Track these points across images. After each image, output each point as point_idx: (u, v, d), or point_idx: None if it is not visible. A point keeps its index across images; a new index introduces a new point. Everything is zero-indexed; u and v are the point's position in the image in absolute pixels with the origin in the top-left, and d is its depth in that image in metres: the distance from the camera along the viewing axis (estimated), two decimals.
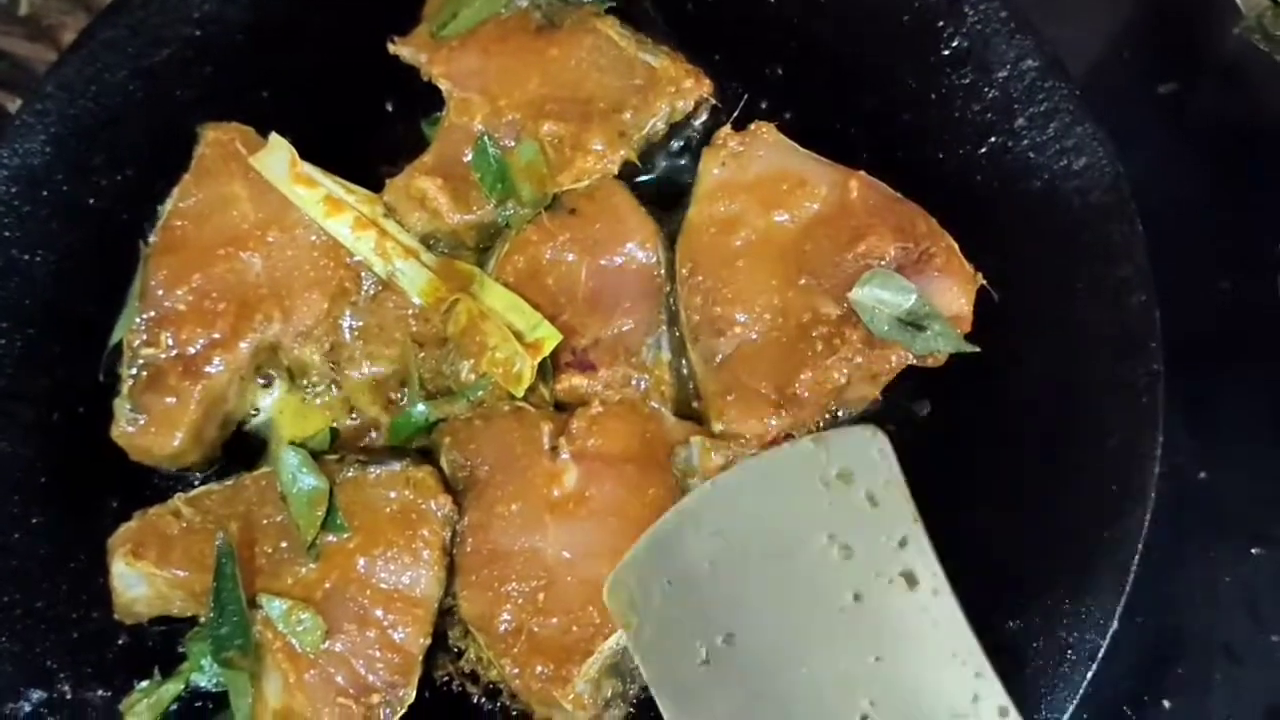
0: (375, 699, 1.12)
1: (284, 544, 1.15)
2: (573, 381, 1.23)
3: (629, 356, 1.23)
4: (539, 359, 1.20)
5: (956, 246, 1.22)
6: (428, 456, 1.25)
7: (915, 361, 1.20)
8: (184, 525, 1.18)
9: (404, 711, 1.14)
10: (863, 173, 1.25)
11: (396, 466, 1.18)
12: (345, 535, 1.15)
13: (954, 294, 1.20)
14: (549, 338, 1.20)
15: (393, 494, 1.17)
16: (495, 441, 1.21)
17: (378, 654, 1.13)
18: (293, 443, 1.20)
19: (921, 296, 1.18)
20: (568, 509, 1.17)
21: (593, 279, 1.26)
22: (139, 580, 1.18)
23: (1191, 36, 1.63)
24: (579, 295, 1.25)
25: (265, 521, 1.17)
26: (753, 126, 1.28)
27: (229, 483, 1.21)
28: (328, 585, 1.13)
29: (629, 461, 1.18)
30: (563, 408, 1.25)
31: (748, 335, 1.22)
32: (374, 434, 1.30)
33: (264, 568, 1.15)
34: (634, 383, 1.23)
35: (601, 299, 1.25)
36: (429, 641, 1.15)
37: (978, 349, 1.19)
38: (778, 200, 1.25)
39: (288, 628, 1.11)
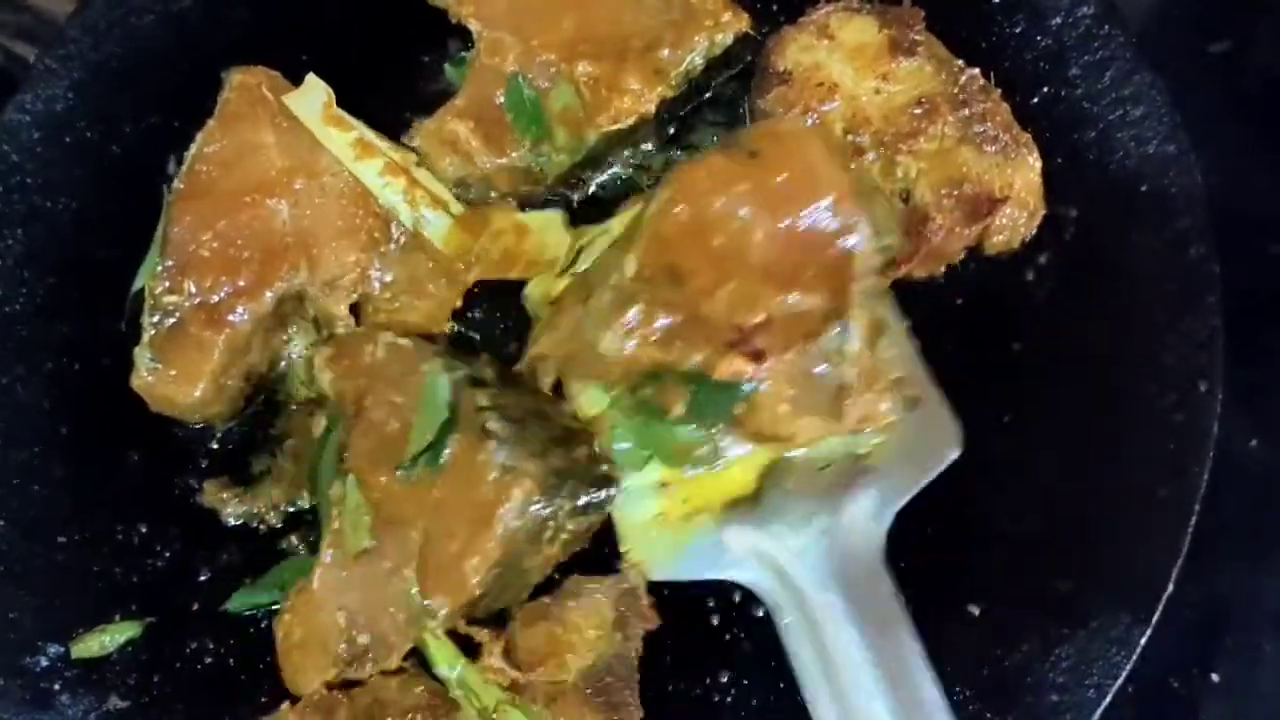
0: (363, 641, 1.09)
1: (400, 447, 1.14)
2: (735, 367, 1.04)
3: (806, 343, 1.03)
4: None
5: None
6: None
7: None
8: (373, 356, 1.17)
9: (377, 671, 1.10)
10: None
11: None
12: (435, 472, 1.11)
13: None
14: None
15: (491, 475, 1.10)
16: None
17: (392, 607, 1.09)
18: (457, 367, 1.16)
19: None
20: None
21: (770, 241, 1.05)
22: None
23: None
24: (751, 260, 1.05)
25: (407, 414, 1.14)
26: None
27: (434, 346, 1.19)
28: (399, 508, 1.11)
29: None
30: None
31: None
32: None
33: (374, 451, 1.14)
34: (817, 373, 1.03)
35: (779, 267, 1.05)
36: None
37: None
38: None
39: (348, 516, 1.11)
